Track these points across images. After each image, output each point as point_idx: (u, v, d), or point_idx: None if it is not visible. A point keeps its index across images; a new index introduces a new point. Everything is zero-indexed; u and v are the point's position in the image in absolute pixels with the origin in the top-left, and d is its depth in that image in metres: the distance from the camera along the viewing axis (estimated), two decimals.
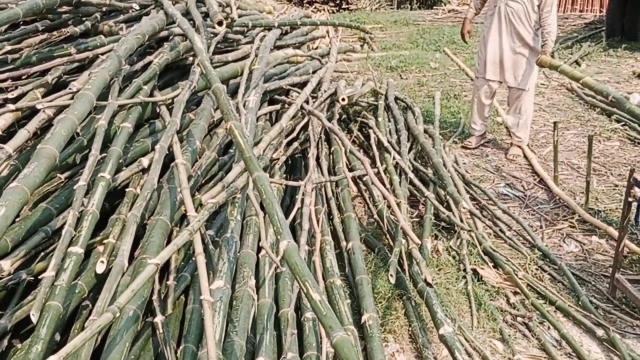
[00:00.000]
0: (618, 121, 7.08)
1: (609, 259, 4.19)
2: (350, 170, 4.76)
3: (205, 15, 5.19)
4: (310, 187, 3.59)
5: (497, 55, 5.87)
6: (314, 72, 5.89)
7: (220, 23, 4.26)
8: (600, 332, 3.35)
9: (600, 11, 14.29)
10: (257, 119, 4.51)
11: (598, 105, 7.59)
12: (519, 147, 6.11)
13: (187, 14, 4.91)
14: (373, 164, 5.07)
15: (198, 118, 3.88)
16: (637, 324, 3.46)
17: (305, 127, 4.71)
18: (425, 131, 5.97)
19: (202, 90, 4.43)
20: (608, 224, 4.64)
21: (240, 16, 6.21)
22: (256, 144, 3.89)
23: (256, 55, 5.04)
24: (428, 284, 3.22)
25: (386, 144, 5.22)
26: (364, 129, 6.08)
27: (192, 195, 3.36)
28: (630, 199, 3.66)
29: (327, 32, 9.75)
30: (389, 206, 4.18)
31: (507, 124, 6.23)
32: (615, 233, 4.19)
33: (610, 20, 11.36)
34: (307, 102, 4.95)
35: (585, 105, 7.78)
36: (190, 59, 4.65)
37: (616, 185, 5.40)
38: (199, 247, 2.32)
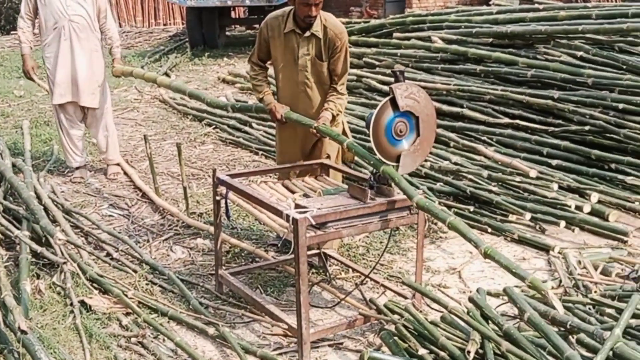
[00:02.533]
0: (209, 125, 7.47)
1: (214, 258, 4.36)
2: None
3: None
4: None
5: (71, 76, 5.59)
6: None
7: None
8: (211, 330, 3.45)
9: (182, 23, 15.01)
10: None
11: (190, 113, 7.92)
12: (117, 164, 6.02)
13: None
14: None
15: None
16: (243, 312, 3.65)
17: None
18: (14, 165, 5.50)
19: None
20: (211, 224, 4.83)
21: None
22: None
23: None
24: (22, 332, 2.92)
25: None
26: None
27: None
28: (217, 197, 3.84)
29: None
30: None
31: (98, 144, 6.06)
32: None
33: (191, 32, 12.00)
34: None
35: (178, 114, 8.06)
36: None
37: None
38: None
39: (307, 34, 4.03)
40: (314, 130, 3.89)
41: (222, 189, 3.80)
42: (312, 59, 4.07)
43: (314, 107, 4.16)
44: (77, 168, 5.90)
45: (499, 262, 2.94)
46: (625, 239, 4.48)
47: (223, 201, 3.83)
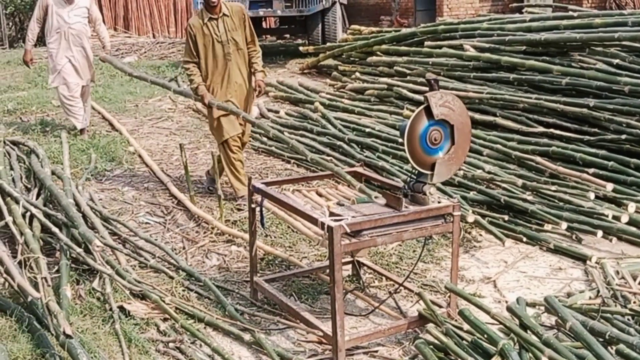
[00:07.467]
0: None
1: (248, 264, 4.40)
2: None
3: None
4: None
5: (72, 64, 7.22)
6: None
7: None
8: (247, 336, 3.48)
9: None
10: None
11: None
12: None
13: None
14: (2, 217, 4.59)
15: None
16: (279, 319, 3.68)
17: None
18: (54, 173, 5.63)
19: None
20: (244, 231, 4.88)
21: None
22: None
23: None
24: (67, 336, 2.99)
25: (15, 194, 4.77)
26: None
27: None
28: (253, 205, 3.88)
29: None
30: (20, 262, 3.83)
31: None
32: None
33: None
34: None
35: None
36: None
37: None
38: None
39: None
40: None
41: (258, 197, 3.84)
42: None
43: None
44: (81, 131, 7.35)
45: None
46: None
47: (258, 209, 3.88)
